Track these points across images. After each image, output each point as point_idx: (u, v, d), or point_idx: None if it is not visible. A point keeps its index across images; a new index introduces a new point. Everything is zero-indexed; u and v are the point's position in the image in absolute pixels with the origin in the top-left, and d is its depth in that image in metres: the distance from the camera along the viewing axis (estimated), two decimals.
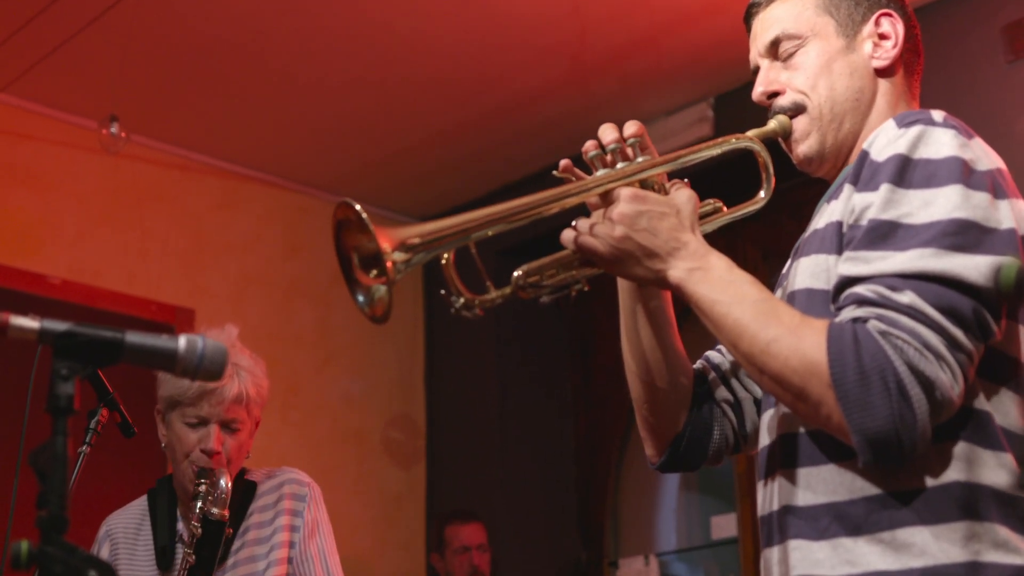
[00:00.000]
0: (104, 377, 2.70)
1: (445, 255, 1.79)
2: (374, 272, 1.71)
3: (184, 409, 2.89)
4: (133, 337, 1.46)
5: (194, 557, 2.75)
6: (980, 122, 4.51)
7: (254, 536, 2.92)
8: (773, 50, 2.04)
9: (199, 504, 2.77)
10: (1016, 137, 4.55)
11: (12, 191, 5.46)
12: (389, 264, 1.66)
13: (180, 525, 2.96)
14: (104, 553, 3.00)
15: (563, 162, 1.93)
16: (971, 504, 1.69)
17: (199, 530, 2.76)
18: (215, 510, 2.76)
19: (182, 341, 1.47)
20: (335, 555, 2.98)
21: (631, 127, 1.93)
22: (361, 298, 1.73)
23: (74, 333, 1.43)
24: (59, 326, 1.43)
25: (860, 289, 1.70)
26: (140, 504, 3.07)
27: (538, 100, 5.66)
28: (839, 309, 1.73)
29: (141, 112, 5.46)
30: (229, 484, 2.79)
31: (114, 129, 5.05)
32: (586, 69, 5.42)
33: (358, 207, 1.67)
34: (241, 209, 6.21)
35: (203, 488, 2.79)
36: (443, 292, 1.83)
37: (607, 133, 1.93)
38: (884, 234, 1.71)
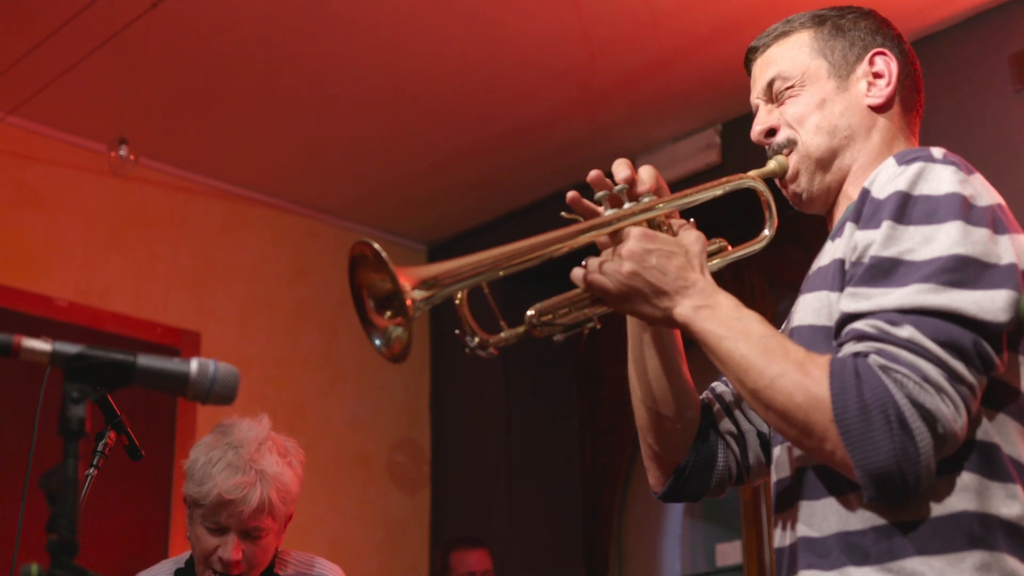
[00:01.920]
0: (112, 399, 2.70)
1: (459, 295, 1.79)
2: (389, 313, 1.72)
3: (205, 515, 2.74)
4: (145, 360, 1.46)
5: None
6: (988, 150, 4.56)
7: None
8: (769, 92, 2.07)
9: None
10: None
11: (20, 213, 5.47)
12: (409, 302, 1.67)
13: None
14: None
15: (570, 193, 1.93)
16: (980, 534, 1.68)
17: None
18: None
19: (193, 364, 1.47)
20: None
21: (647, 180, 1.94)
22: (378, 341, 1.74)
23: (86, 356, 1.43)
24: (71, 348, 1.43)
25: (860, 324, 1.71)
26: (167, 573, 2.95)
27: (546, 125, 5.66)
28: (840, 345, 1.74)
29: (149, 135, 5.47)
30: None
31: (123, 152, 5.06)
32: (594, 94, 5.43)
33: (376, 245, 1.69)
34: (248, 233, 6.22)
35: None
36: (457, 332, 1.84)
37: (621, 170, 1.94)
38: (885, 271, 1.72)
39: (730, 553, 5.79)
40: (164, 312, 5.79)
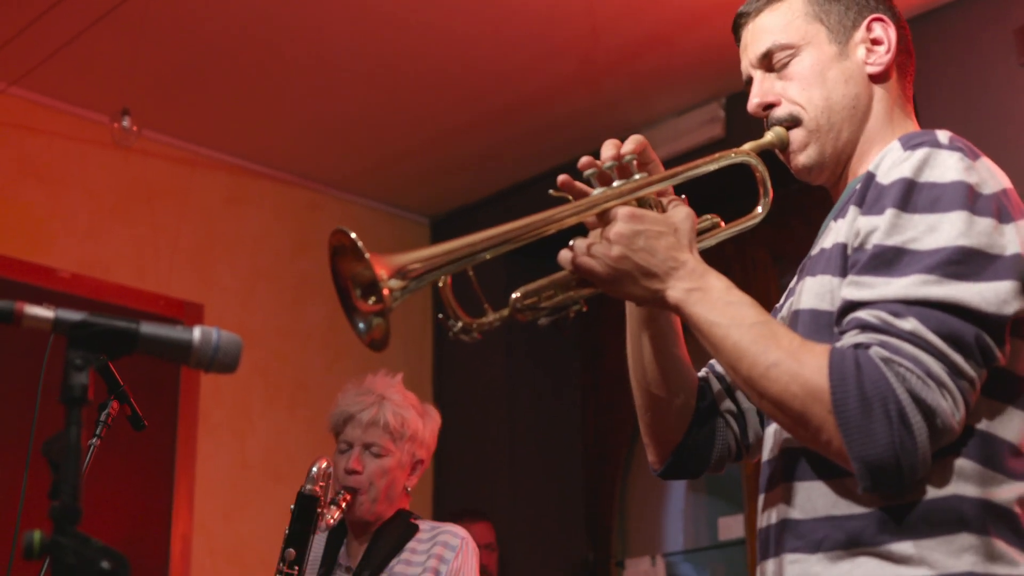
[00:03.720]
0: (115, 370, 2.71)
1: (442, 279, 1.77)
2: (372, 299, 1.69)
3: (338, 439, 3.21)
4: (147, 327, 1.45)
5: (288, 530, 2.99)
6: (992, 124, 4.55)
7: (401, 571, 3.12)
8: (765, 61, 2.01)
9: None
10: None
11: (23, 185, 5.47)
12: (386, 292, 1.65)
13: (343, 552, 3.24)
14: None
15: (561, 177, 1.90)
16: (969, 518, 1.68)
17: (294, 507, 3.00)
18: (308, 486, 3.01)
19: (196, 332, 1.47)
20: None
21: (630, 143, 1.91)
22: (361, 325, 1.72)
23: (89, 323, 1.43)
24: (74, 316, 1.43)
25: (863, 314, 1.69)
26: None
27: (549, 98, 5.65)
28: (842, 333, 1.72)
29: (152, 107, 5.46)
30: (323, 465, 3.05)
31: (126, 123, 5.05)
32: (597, 67, 5.42)
33: (353, 235, 1.66)
34: (251, 205, 6.21)
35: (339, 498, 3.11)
36: (440, 316, 1.82)
37: (606, 150, 1.90)
38: (889, 260, 1.70)
39: (733, 527, 5.80)
40: (167, 284, 5.79)
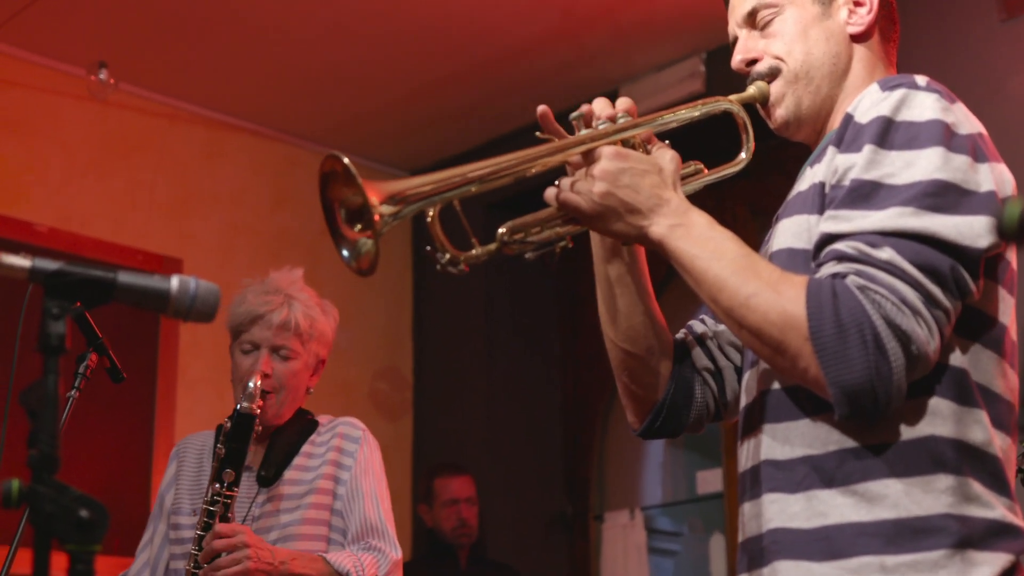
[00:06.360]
0: (93, 322, 2.70)
1: (430, 212, 1.80)
2: (359, 226, 1.73)
3: (241, 337, 3.10)
4: (125, 276, 1.45)
5: (224, 449, 2.91)
6: (973, 81, 4.55)
7: (303, 464, 3.10)
8: (751, 20, 2.06)
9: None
10: (1008, 96, 4.54)
11: None
12: (377, 217, 1.68)
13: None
14: (171, 470, 3.20)
15: (541, 108, 1.92)
16: (945, 458, 1.71)
17: (228, 424, 2.93)
18: (245, 404, 2.94)
19: (174, 281, 1.47)
20: (387, 500, 3.11)
21: (623, 102, 1.94)
22: (346, 252, 1.76)
23: (65, 272, 1.43)
24: (50, 264, 1.42)
25: (840, 246, 1.73)
26: (211, 432, 3.26)
27: (529, 52, 5.63)
28: (819, 265, 1.76)
29: (130, 60, 5.42)
30: (258, 382, 2.98)
31: (102, 75, 5.02)
32: (578, 21, 5.39)
33: (346, 160, 1.70)
34: (229, 159, 6.18)
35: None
36: (428, 248, 1.84)
37: (600, 107, 1.93)
38: (866, 194, 1.73)
39: (711, 481, 5.84)
40: (145, 238, 5.77)
